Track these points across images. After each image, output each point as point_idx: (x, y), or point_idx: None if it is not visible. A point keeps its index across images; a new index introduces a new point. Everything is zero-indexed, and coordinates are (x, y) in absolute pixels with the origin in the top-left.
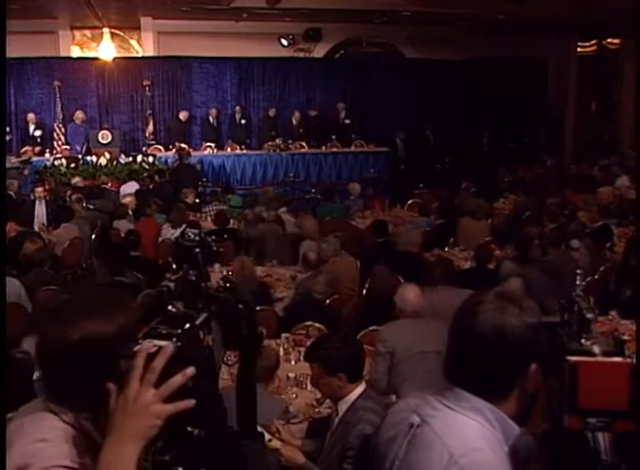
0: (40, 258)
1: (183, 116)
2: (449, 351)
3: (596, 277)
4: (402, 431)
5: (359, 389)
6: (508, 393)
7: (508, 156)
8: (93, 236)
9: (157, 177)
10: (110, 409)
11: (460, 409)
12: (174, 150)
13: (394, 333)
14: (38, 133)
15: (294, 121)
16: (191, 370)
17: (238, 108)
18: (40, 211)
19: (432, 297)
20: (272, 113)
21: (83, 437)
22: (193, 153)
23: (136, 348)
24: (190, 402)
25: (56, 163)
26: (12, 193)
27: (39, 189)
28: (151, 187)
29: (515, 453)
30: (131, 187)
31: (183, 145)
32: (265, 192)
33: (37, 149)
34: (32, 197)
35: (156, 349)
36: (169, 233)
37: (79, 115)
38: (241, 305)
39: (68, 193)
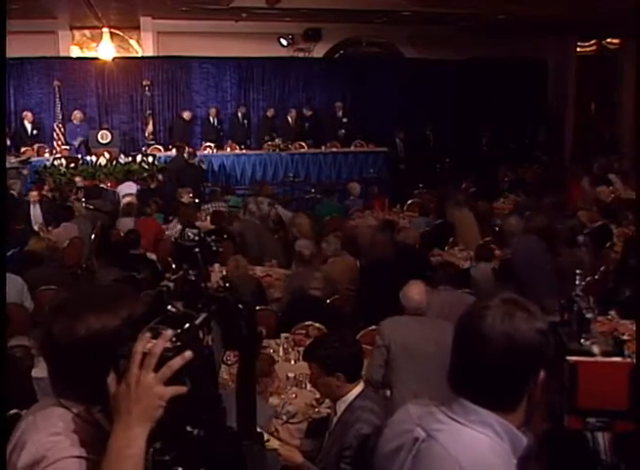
0: (44, 256)
1: (186, 115)
2: (454, 358)
3: (596, 277)
4: (406, 445)
5: (357, 389)
6: (518, 402)
7: (508, 156)
8: (93, 236)
9: (160, 176)
10: (112, 397)
11: (468, 423)
12: (174, 149)
13: (392, 328)
14: (35, 132)
15: (289, 119)
16: (189, 354)
17: (242, 108)
18: (35, 213)
19: (432, 297)
20: (271, 113)
21: (95, 428)
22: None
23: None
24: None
25: (55, 163)
26: (14, 193)
27: (34, 193)
28: (153, 186)
29: (524, 461)
30: (128, 187)
31: (185, 146)
32: (265, 190)
33: (36, 148)
34: (28, 199)
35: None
36: (176, 228)
37: (77, 114)
38: (240, 305)
39: (74, 191)
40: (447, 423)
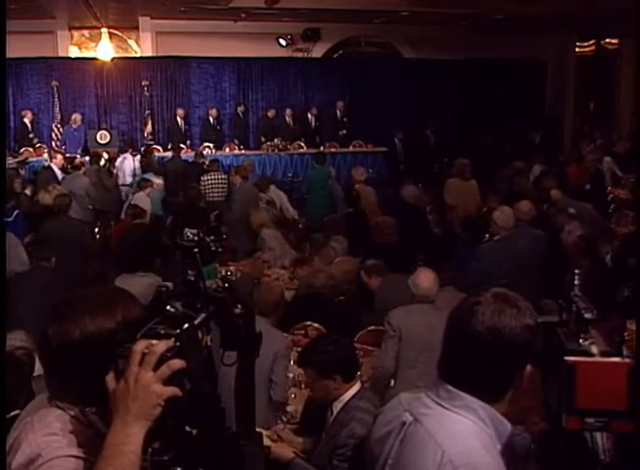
0: (62, 205)
1: (181, 113)
2: (445, 350)
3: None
4: (394, 429)
5: (354, 389)
6: (503, 393)
7: (506, 156)
8: (97, 236)
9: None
10: (110, 395)
11: (453, 408)
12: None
13: (400, 317)
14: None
15: (288, 120)
16: (183, 363)
17: (240, 106)
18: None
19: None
20: (271, 114)
21: (90, 429)
22: (190, 153)
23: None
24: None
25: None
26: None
27: (59, 156)
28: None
29: (511, 451)
30: (125, 159)
31: (183, 146)
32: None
33: (35, 148)
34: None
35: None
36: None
37: (77, 117)
38: (239, 306)
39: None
40: (433, 408)
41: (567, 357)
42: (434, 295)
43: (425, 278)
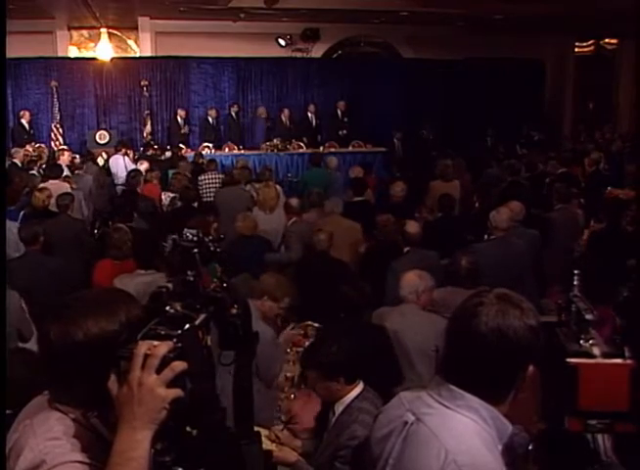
0: (63, 205)
1: (181, 115)
2: (448, 350)
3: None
4: (396, 429)
5: (356, 390)
6: (506, 394)
7: (505, 156)
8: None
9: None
10: (114, 400)
11: (455, 408)
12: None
13: (380, 317)
14: (32, 132)
15: (287, 119)
16: (185, 365)
17: (234, 107)
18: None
19: (439, 295)
20: (268, 113)
21: (92, 433)
22: (190, 152)
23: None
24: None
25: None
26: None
27: (67, 153)
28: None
29: (510, 450)
30: (117, 159)
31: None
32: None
33: (34, 147)
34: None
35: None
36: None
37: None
38: (237, 306)
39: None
40: (436, 407)
41: (569, 359)
42: (411, 298)
43: (404, 279)
